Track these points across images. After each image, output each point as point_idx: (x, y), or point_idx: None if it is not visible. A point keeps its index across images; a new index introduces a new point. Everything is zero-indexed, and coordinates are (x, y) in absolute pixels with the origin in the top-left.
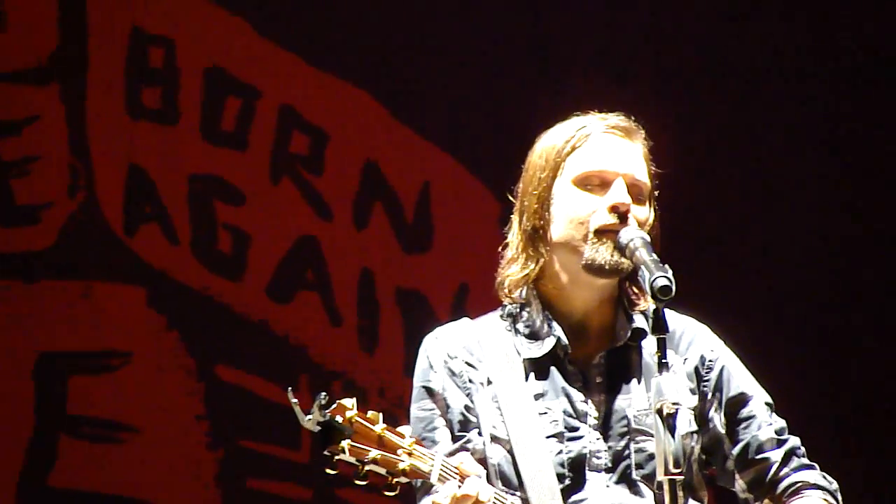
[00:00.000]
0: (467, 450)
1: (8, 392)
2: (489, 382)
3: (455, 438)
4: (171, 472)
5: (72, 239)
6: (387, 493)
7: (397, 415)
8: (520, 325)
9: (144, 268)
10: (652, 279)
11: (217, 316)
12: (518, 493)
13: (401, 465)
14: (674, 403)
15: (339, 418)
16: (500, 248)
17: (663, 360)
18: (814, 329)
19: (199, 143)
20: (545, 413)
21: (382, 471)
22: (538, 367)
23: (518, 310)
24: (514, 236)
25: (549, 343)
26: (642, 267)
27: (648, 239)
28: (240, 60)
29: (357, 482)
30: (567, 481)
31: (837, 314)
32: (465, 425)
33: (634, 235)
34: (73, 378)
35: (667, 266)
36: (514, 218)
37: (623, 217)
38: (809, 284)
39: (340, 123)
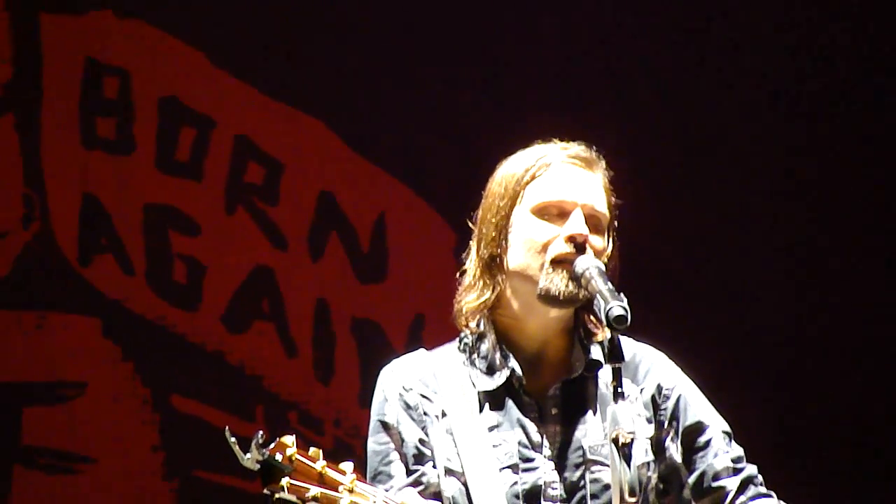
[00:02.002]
0: (421, 483)
1: None
2: (444, 415)
3: (409, 472)
4: (126, 503)
5: (26, 269)
6: None
7: (353, 445)
8: (475, 357)
9: (99, 298)
10: (607, 308)
11: (172, 346)
12: None
13: (342, 502)
14: (629, 433)
15: (278, 456)
16: (457, 275)
17: (619, 390)
18: (772, 359)
19: (154, 173)
20: (499, 445)
21: None
22: (493, 399)
23: (474, 341)
24: (471, 263)
25: (503, 375)
26: (597, 296)
27: (604, 268)
28: (194, 91)
29: None
30: None
31: (796, 345)
32: (420, 458)
33: (590, 265)
34: (27, 409)
35: (622, 295)
36: (473, 245)
37: (580, 247)
38: (768, 315)
39: (296, 154)
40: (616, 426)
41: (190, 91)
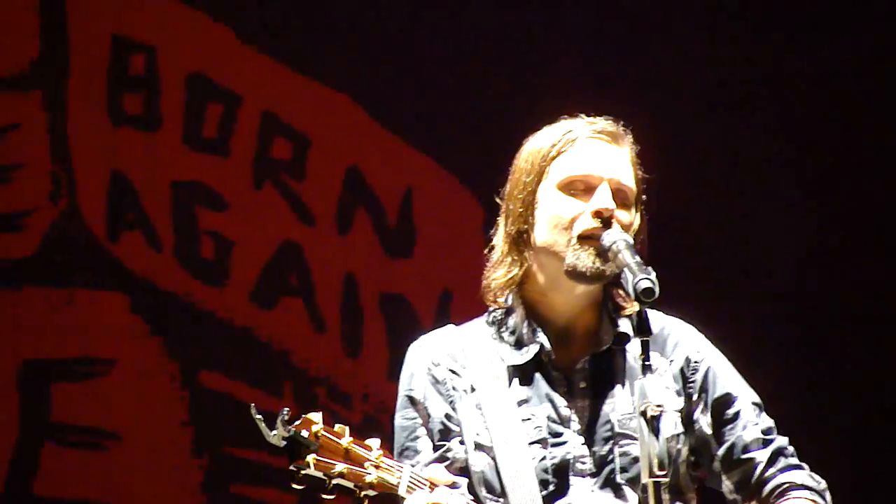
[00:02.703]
0: (447, 458)
1: None
2: (473, 389)
3: (435, 448)
4: (155, 480)
5: (55, 246)
6: None
7: (381, 419)
8: (504, 332)
9: (127, 274)
10: (635, 281)
11: (200, 322)
12: (501, 500)
13: (368, 478)
14: (657, 406)
15: (304, 432)
16: (485, 251)
17: (647, 363)
18: (801, 330)
19: (182, 150)
20: (528, 419)
21: (350, 484)
22: (522, 374)
23: (503, 315)
24: (499, 239)
25: (532, 349)
26: (625, 269)
27: (631, 241)
28: (221, 66)
29: (324, 497)
30: (551, 487)
31: (830, 315)
32: (446, 434)
33: (617, 238)
34: (56, 385)
35: (650, 268)
36: (500, 220)
37: (607, 222)
38: (796, 285)
39: (323, 129)
40: (644, 400)
41: (217, 67)
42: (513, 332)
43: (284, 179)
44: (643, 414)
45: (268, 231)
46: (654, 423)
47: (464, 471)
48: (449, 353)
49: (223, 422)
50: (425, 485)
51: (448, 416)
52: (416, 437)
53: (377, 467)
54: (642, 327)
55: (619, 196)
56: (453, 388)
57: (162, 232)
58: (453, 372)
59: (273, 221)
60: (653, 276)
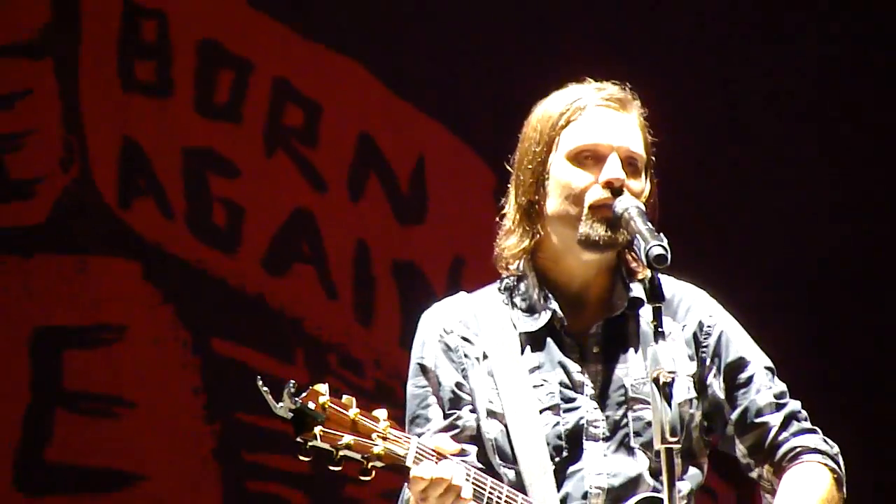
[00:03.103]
0: (457, 427)
1: (3, 367)
2: (485, 357)
3: (446, 416)
4: (167, 446)
5: (66, 213)
6: (363, 478)
7: (393, 387)
8: (516, 299)
9: (139, 241)
10: (647, 248)
11: (212, 289)
12: (513, 467)
13: (375, 450)
14: (670, 372)
15: (311, 404)
16: (497, 219)
17: (659, 329)
18: (816, 294)
19: (193, 117)
20: (541, 385)
21: (357, 456)
22: (535, 340)
23: (515, 283)
24: (510, 208)
25: (545, 316)
26: (637, 236)
27: (643, 208)
28: (233, 33)
29: (332, 468)
30: (565, 452)
31: (840, 280)
32: (456, 402)
33: (629, 205)
34: (68, 352)
35: (662, 235)
36: (511, 189)
37: (617, 192)
38: (812, 250)
39: (334, 95)
40: (657, 366)
41: (228, 33)
42: (525, 299)
43: (296, 146)
44: (655, 380)
45: (279, 198)
46: (666, 390)
47: (475, 439)
48: (461, 320)
49: (235, 388)
50: (433, 456)
51: (459, 385)
52: (427, 406)
53: (384, 438)
54: (655, 293)
55: (629, 164)
56: (465, 356)
57: (173, 199)
58: (465, 339)
59: (285, 188)
60: (665, 242)
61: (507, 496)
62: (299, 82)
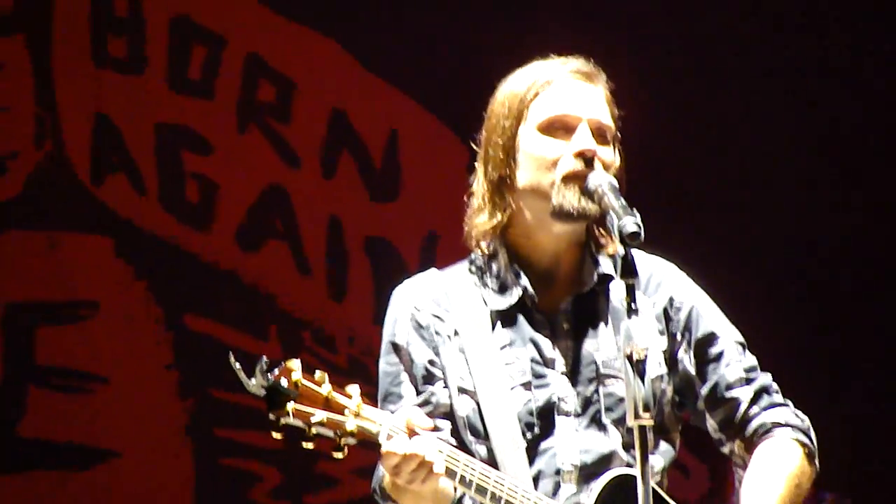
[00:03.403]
0: (430, 403)
1: None
2: (456, 334)
3: (418, 393)
4: (140, 422)
5: (38, 189)
6: (336, 455)
7: (366, 363)
8: (487, 276)
9: (112, 217)
10: (620, 224)
11: (185, 265)
12: (485, 444)
13: (348, 426)
14: (643, 348)
15: (283, 381)
16: (465, 198)
17: (633, 305)
18: (787, 269)
19: (166, 92)
20: (512, 363)
21: (330, 433)
22: (505, 317)
23: (485, 260)
24: (479, 185)
25: (515, 293)
26: (610, 211)
27: (616, 184)
28: (206, 9)
29: (305, 445)
30: (536, 429)
31: (812, 255)
32: (429, 379)
33: (602, 181)
34: (41, 329)
35: (635, 210)
36: (479, 167)
37: (589, 162)
38: (783, 225)
39: (307, 72)
40: (630, 342)
41: (201, 9)
42: (496, 276)
43: (269, 122)
44: (629, 357)
45: (252, 174)
46: (639, 366)
47: (448, 416)
48: (432, 297)
49: (208, 365)
50: (405, 432)
51: (431, 362)
52: (400, 383)
53: (357, 416)
54: (627, 270)
55: (600, 135)
56: (437, 333)
57: (146, 175)
58: (436, 317)
59: (258, 165)
60: (638, 218)
61: (480, 472)
62: (272, 58)
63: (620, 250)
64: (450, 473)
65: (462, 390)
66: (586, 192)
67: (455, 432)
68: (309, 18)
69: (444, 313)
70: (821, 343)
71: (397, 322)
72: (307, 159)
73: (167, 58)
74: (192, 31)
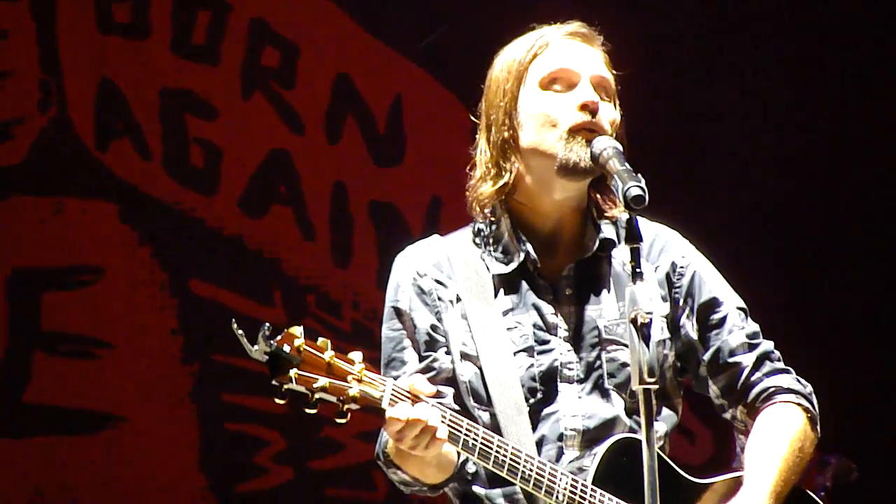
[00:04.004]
0: (433, 369)
1: None
2: (458, 300)
3: (421, 358)
4: (145, 387)
5: (43, 154)
6: (338, 421)
7: (370, 328)
8: (490, 242)
9: (116, 183)
10: (625, 189)
11: (190, 230)
12: (487, 409)
13: (351, 392)
14: (647, 313)
15: (286, 347)
16: (467, 168)
17: (637, 270)
18: (788, 235)
19: (171, 58)
20: (514, 328)
21: (333, 398)
22: (508, 283)
23: (488, 226)
24: (481, 154)
25: (518, 258)
26: (615, 176)
27: (620, 148)
28: None
29: (307, 411)
30: (539, 394)
31: (813, 220)
32: (432, 345)
33: (607, 145)
34: (46, 294)
35: (639, 175)
36: (481, 135)
37: (593, 113)
38: (785, 191)
39: (312, 36)
40: (635, 306)
41: None
42: (498, 242)
43: (273, 87)
44: (633, 321)
45: (257, 139)
46: (644, 331)
47: (450, 381)
48: (434, 263)
49: (213, 330)
50: (408, 398)
51: (434, 327)
52: (403, 348)
53: (360, 381)
54: (632, 234)
55: (602, 90)
56: (439, 299)
57: (151, 140)
58: (439, 282)
59: (262, 130)
60: (642, 183)
61: (482, 437)
62: (277, 23)
63: (625, 215)
64: (453, 439)
65: (464, 356)
66: (592, 155)
67: (458, 398)
68: None
69: (446, 279)
70: (826, 307)
71: (399, 287)
72: (311, 124)
73: (171, 23)
74: None
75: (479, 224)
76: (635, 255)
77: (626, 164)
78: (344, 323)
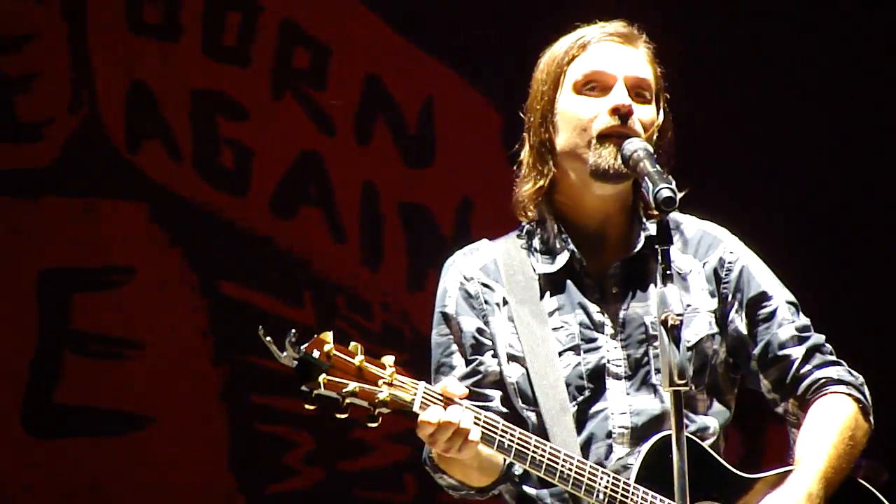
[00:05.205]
0: (479, 373)
1: (11, 309)
2: (505, 302)
3: (468, 362)
4: (175, 388)
5: (74, 155)
6: (370, 425)
7: (401, 329)
8: (535, 243)
9: (147, 183)
10: (655, 190)
11: (220, 231)
12: (534, 409)
13: (381, 396)
14: (678, 315)
15: (315, 353)
16: (514, 167)
17: (668, 272)
18: (836, 232)
19: (201, 59)
20: (561, 327)
21: (363, 403)
22: (554, 283)
23: (534, 227)
24: (524, 154)
25: (563, 258)
26: (646, 178)
27: (651, 150)
28: None
29: (338, 416)
30: (587, 392)
31: (861, 218)
32: (478, 348)
33: (637, 147)
34: (76, 295)
35: (670, 177)
36: (525, 136)
37: (625, 118)
38: (834, 189)
39: (342, 38)
40: (665, 308)
41: None
42: (544, 242)
43: (304, 89)
44: (663, 323)
45: (287, 140)
46: (674, 332)
47: (498, 384)
48: (482, 267)
49: (243, 331)
50: (440, 400)
51: (480, 330)
52: (451, 353)
53: (390, 385)
54: (662, 236)
55: (637, 91)
56: (486, 302)
57: (182, 141)
58: (485, 286)
59: (293, 131)
60: (673, 184)
61: (519, 437)
62: (307, 24)
63: (655, 217)
64: (487, 440)
65: (511, 357)
66: (622, 158)
67: (506, 400)
68: None
69: (493, 282)
70: (873, 308)
71: (447, 293)
72: (342, 125)
73: (202, 24)
74: None
75: (525, 226)
76: (665, 257)
77: (657, 166)
78: (374, 324)
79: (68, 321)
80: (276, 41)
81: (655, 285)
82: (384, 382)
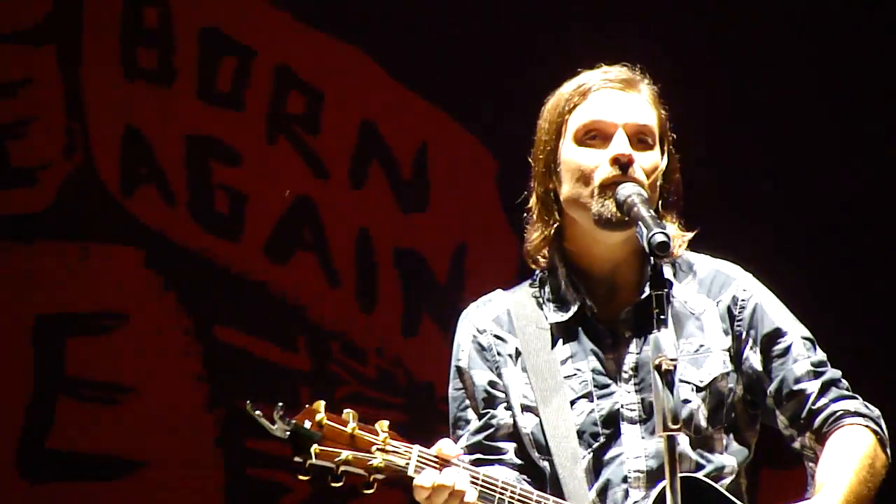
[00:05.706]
0: (491, 426)
1: (6, 354)
2: (518, 353)
3: (480, 416)
4: (170, 434)
5: (69, 200)
6: (365, 492)
7: (395, 374)
8: (547, 292)
9: (142, 229)
10: (649, 236)
11: (215, 276)
12: (548, 458)
13: (375, 463)
14: (671, 359)
15: (307, 423)
16: (524, 216)
17: (661, 317)
18: (850, 263)
19: (195, 104)
20: (574, 375)
21: (358, 470)
22: (566, 331)
23: (546, 276)
24: (532, 202)
25: (575, 306)
26: (640, 223)
27: (645, 195)
28: (235, 20)
29: (333, 485)
30: (602, 438)
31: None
32: (490, 402)
33: (631, 192)
34: (71, 340)
35: (664, 222)
36: (532, 184)
37: (625, 168)
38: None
39: (336, 83)
40: (658, 353)
41: (230, 21)
42: (555, 291)
43: (298, 133)
44: (657, 367)
45: (281, 185)
46: (667, 377)
47: (511, 436)
48: (494, 318)
49: (238, 376)
50: (435, 463)
51: (492, 384)
52: (466, 408)
53: (384, 451)
54: (656, 281)
55: (638, 139)
56: (498, 354)
57: (176, 186)
58: (498, 338)
59: (287, 175)
60: (666, 229)
61: (520, 494)
62: (301, 70)
63: (652, 261)
64: (485, 499)
65: (525, 408)
66: (616, 204)
67: (522, 451)
68: (338, 29)
69: (506, 334)
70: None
71: (460, 346)
72: (336, 170)
73: (197, 69)
74: (222, 42)
75: (538, 275)
76: (659, 302)
77: (651, 211)
78: (368, 369)
79: (63, 366)
80: (271, 86)
81: (668, 328)
82: (378, 448)
